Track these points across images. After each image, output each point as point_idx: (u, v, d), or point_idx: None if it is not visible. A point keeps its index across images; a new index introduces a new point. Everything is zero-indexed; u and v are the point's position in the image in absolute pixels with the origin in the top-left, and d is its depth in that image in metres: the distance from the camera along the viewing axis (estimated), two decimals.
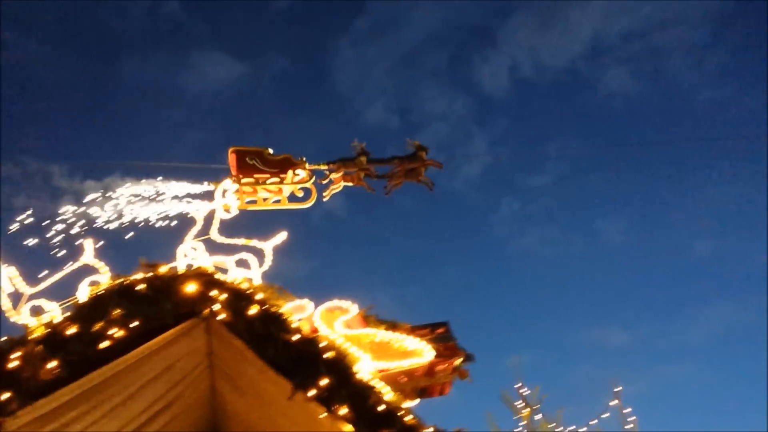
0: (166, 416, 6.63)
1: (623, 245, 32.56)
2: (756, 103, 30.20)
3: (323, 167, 8.19)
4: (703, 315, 32.59)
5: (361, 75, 36.13)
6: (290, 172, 7.89)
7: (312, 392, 5.81)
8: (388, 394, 6.11)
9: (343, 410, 5.78)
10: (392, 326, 7.48)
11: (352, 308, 7.30)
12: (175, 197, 7.75)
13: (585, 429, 12.89)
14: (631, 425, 13.46)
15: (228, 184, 7.88)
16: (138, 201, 7.69)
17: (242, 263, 7.18)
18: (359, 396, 5.89)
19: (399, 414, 5.96)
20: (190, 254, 6.98)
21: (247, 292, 6.21)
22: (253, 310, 6.08)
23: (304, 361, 5.94)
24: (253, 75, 35.78)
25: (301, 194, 8.12)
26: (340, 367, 6.00)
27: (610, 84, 33.86)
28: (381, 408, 5.88)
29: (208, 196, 7.84)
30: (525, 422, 13.06)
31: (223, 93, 33.58)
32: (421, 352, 7.25)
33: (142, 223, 7.60)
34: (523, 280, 35.44)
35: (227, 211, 7.78)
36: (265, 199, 8.02)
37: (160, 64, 33.63)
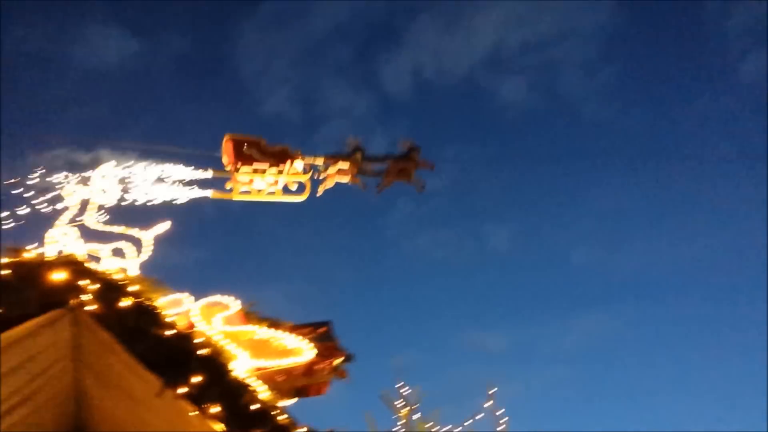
0: (24, 410, 6.22)
1: (509, 252, 33.81)
2: (640, 120, 32.15)
3: (319, 161, 8.01)
4: (577, 322, 34.35)
5: (264, 63, 35.58)
6: (288, 163, 7.68)
7: (182, 390, 5.63)
8: (263, 392, 6.03)
9: (215, 409, 5.64)
10: (273, 324, 7.38)
11: (234, 304, 7.15)
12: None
13: (460, 429, 13.26)
14: (503, 426, 14.00)
15: (109, 167, 7.52)
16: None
17: (118, 252, 6.88)
18: (232, 394, 5.78)
19: (272, 413, 5.89)
20: (61, 240, 6.60)
21: (120, 283, 5.94)
22: (125, 302, 5.82)
23: (177, 358, 5.75)
24: (150, 53, 34.42)
25: (295, 187, 7.96)
26: (214, 364, 5.86)
27: (507, 94, 35.06)
28: (254, 407, 5.80)
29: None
30: (403, 421, 13.29)
31: (116, 70, 32.07)
32: (300, 351, 7.19)
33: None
34: (412, 281, 36.13)
35: (106, 197, 7.41)
36: (259, 191, 7.83)
37: (49, 33, 31.71)
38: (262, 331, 7.16)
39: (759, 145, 28.69)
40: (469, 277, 35.36)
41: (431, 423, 13.13)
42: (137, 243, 7.05)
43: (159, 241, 7.23)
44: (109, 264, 6.50)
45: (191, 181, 7.70)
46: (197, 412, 5.62)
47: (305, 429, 6.00)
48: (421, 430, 13.27)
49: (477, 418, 13.61)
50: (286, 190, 8.04)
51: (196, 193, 7.67)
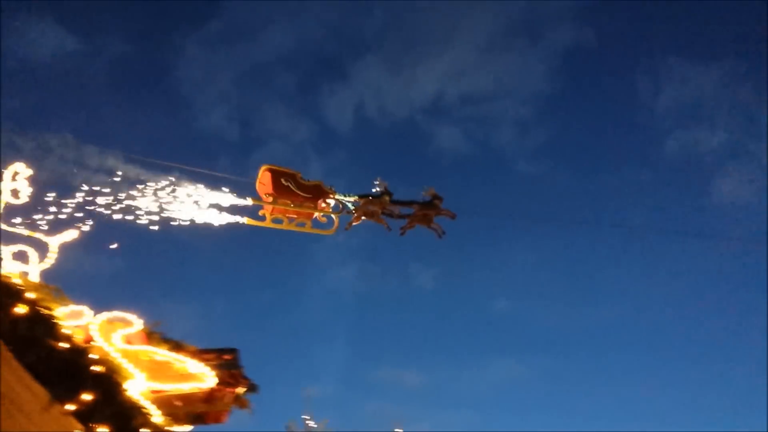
0: None
1: (433, 292, 34.10)
2: (567, 181, 33.34)
3: (350, 200, 8.31)
4: (492, 368, 34.84)
5: (206, 78, 35.18)
6: (322, 200, 8.12)
7: (71, 406, 5.38)
8: (156, 416, 5.82)
9: (103, 429, 5.41)
10: (176, 347, 7.15)
11: (136, 322, 6.89)
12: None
13: None
14: None
15: (21, 167, 7.20)
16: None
17: (20, 256, 6.57)
18: (123, 416, 5.56)
19: None
20: None
21: (17, 288, 5.66)
22: (21, 309, 5.55)
23: (69, 372, 5.50)
24: (87, 54, 33.49)
25: (324, 221, 8.25)
26: (107, 382, 5.63)
27: (444, 141, 35.83)
28: (144, 431, 5.58)
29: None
30: None
31: (49, 66, 30.96)
32: (202, 377, 6.98)
33: None
34: (333, 312, 35.89)
35: (16, 197, 7.08)
36: (291, 221, 8.08)
37: None
38: (163, 353, 6.92)
39: (675, 217, 30.23)
40: (391, 313, 35.48)
41: None
42: (42, 248, 6.76)
43: (65, 248, 6.97)
44: (9, 267, 6.19)
45: (226, 206, 7.94)
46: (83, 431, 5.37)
47: None
48: None
49: None
50: (316, 223, 8.30)
51: (230, 218, 7.90)
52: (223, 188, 7.95)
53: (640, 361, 34.31)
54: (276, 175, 8.09)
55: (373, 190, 8.68)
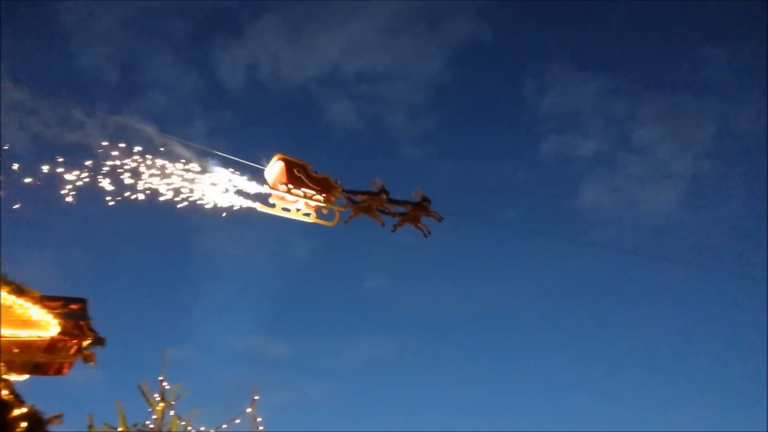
0: None
1: (308, 264, 34.03)
2: (449, 167, 34.17)
3: (354, 197, 9.02)
4: (358, 342, 35.27)
5: (88, 15, 32.92)
6: (331, 193, 8.70)
7: None
8: None
9: None
10: (19, 290, 6.72)
11: None
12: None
13: (213, 431, 13.00)
14: None
15: None
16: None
17: None
18: None
19: None
20: None
21: None
22: None
23: None
24: None
25: (326, 213, 8.77)
26: None
27: (335, 114, 35.60)
28: None
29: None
30: (157, 417, 12.75)
31: None
32: (45, 325, 6.64)
33: None
34: (206, 276, 35.08)
35: None
36: (298, 210, 8.55)
37: None
38: (3, 296, 6.50)
39: (544, 215, 31.70)
40: (263, 281, 35.06)
41: (185, 422, 12.74)
42: None
43: None
44: None
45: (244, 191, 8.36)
46: None
47: (26, 409, 5.53)
48: (173, 428, 12.83)
49: (235, 421, 13.47)
50: (320, 214, 8.78)
51: (244, 202, 8.32)
52: (231, 170, 8.35)
53: (505, 347, 35.91)
54: (289, 165, 8.48)
55: (371, 188, 9.33)
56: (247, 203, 8.30)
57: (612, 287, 33.45)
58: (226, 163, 8.30)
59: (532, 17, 34.31)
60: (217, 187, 8.20)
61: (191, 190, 7.99)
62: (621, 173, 33.03)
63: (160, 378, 12.90)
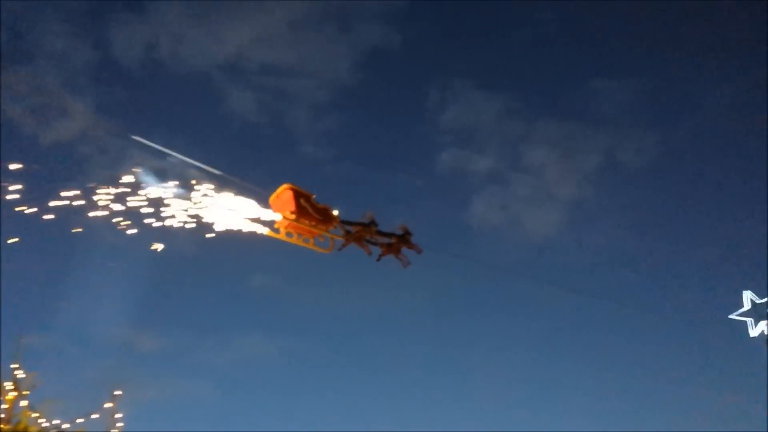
0: None
1: (190, 259, 33.17)
2: (346, 171, 34.52)
3: (350, 228, 9.84)
4: (236, 341, 34.72)
5: None
6: (331, 224, 9.55)
7: None
8: None
9: None
10: None
11: None
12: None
13: (68, 426, 12.54)
14: (117, 430, 13.56)
15: None
16: None
17: None
18: None
19: None
20: None
21: None
22: None
23: None
24: None
25: (323, 240, 9.53)
26: None
27: (236, 104, 35.02)
28: None
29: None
30: (7, 406, 12.15)
31: None
32: None
33: None
34: (79, 259, 33.43)
35: None
36: (299, 237, 9.33)
37: None
38: None
39: (434, 226, 32.64)
40: (139, 272, 33.84)
41: (38, 414, 12.23)
42: None
43: None
44: None
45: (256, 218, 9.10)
46: None
47: None
48: (23, 421, 12.29)
49: (92, 417, 13.05)
50: (317, 241, 9.54)
51: (254, 227, 9.10)
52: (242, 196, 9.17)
53: (384, 354, 36.51)
54: (297, 196, 9.21)
55: (362, 220, 10.17)
56: (257, 228, 9.17)
57: (492, 301, 34.95)
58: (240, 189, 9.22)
59: (442, 30, 35.28)
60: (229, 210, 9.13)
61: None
62: (510, 192, 34.60)
63: (14, 366, 12.35)
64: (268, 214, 9.12)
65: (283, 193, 9.12)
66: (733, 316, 36.64)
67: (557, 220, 38.34)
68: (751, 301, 36.89)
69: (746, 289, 36.12)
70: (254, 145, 35.29)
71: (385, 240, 10.39)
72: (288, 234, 9.25)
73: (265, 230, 9.09)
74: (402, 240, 10.50)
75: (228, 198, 8.88)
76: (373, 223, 10.14)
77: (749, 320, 37.10)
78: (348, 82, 37.69)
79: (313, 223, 9.32)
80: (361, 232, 10.04)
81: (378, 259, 10.47)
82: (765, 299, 34.53)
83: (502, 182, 38.20)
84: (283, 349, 35.65)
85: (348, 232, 9.85)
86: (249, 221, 8.99)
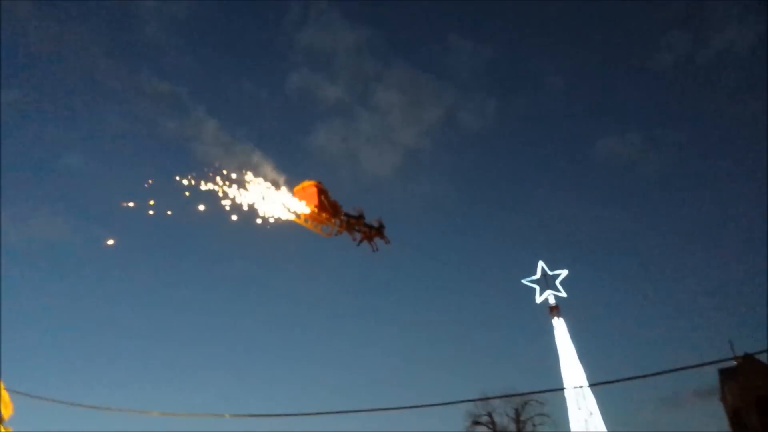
0: None
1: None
2: (196, 72, 34.12)
3: (352, 221, 12.13)
4: None
5: None
6: (337, 218, 11.75)
7: None
8: None
9: None
10: None
11: None
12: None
13: None
14: None
15: None
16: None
17: None
18: None
19: None
20: None
21: None
22: None
23: None
24: None
25: (325, 227, 11.73)
26: None
27: None
28: None
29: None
30: None
31: None
32: None
33: None
34: None
35: None
36: (311, 222, 11.31)
37: None
38: None
39: (274, 145, 33.57)
40: None
41: None
42: None
43: None
44: None
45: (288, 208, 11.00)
46: None
47: None
48: None
49: None
50: (324, 228, 11.69)
51: (286, 215, 10.98)
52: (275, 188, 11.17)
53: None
54: (320, 193, 11.27)
55: (351, 212, 12.41)
56: (289, 216, 11.08)
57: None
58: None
59: None
60: (265, 198, 10.83)
61: None
62: (354, 127, 36.33)
63: None
64: (291, 202, 10.96)
65: (309, 188, 11.17)
66: (525, 281, 41.71)
67: (391, 163, 41.05)
68: (543, 270, 42.19)
69: (541, 260, 41.36)
70: None
71: (364, 229, 12.70)
72: (306, 220, 11.27)
73: (291, 217, 11.03)
74: (377, 230, 12.91)
75: (268, 189, 10.86)
76: (362, 216, 12.50)
77: (537, 287, 42.52)
78: None
79: (326, 215, 11.46)
80: (354, 223, 12.35)
81: (358, 244, 12.75)
82: (556, 272, 39.59)
83: (348, 115, 39.93)
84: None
85: (344, 223, 12.08)
86: (280, 207, 10.80)
